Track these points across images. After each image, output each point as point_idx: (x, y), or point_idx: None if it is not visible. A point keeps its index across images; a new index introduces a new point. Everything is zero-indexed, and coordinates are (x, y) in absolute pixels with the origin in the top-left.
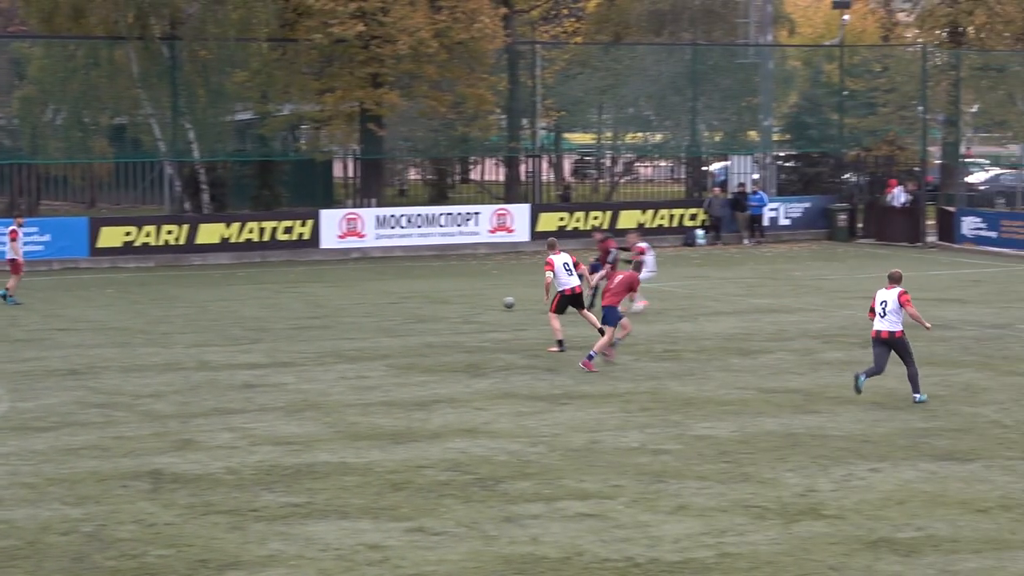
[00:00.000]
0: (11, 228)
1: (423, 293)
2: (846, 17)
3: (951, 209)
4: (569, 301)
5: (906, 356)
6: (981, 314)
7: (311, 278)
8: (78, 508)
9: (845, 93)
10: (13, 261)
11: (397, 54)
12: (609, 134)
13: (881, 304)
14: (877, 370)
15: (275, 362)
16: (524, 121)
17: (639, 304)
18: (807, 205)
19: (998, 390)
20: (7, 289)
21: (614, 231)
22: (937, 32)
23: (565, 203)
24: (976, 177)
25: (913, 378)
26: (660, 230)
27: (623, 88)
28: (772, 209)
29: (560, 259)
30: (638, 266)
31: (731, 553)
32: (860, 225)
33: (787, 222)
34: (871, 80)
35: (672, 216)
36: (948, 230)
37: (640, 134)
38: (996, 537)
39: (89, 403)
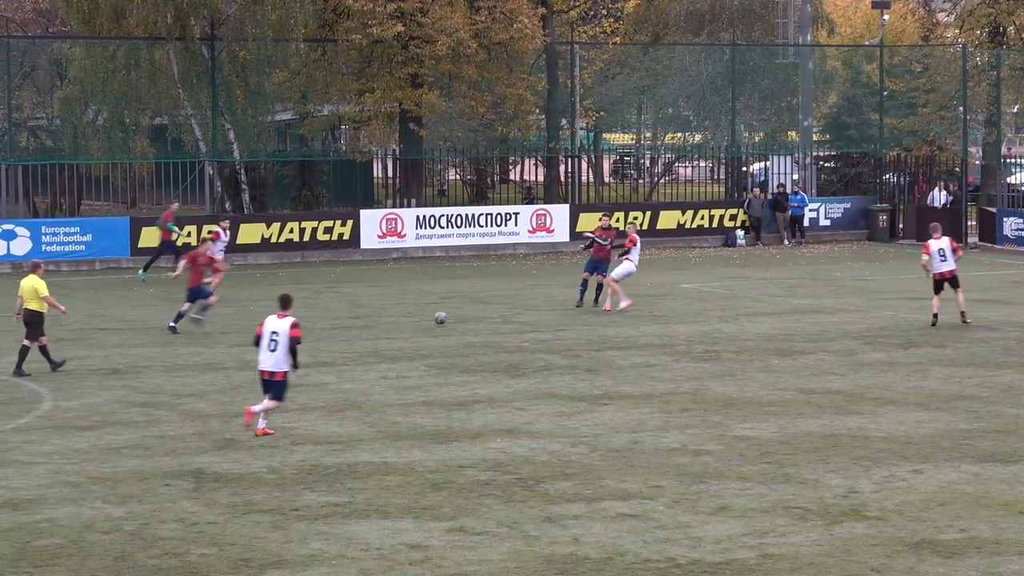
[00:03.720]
0: (214, 231)
1: (463, 293)
2: (886, 17)
3: (992, 210)
4: (945, 283)
5: None
6: (1023, 315)
7: (351, 278)
8: (120, 507)
9: (885, 93)
10: (211, 260)
11: (436, 54)
12: (648, 134)
13: None
14: None
15: (316, 362)
16: (563, 121)
17: (624, 303)
18: (847, 206)
19: None
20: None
21: (654, 231)
22: (977, 32)
23: (604, 204)
24: (1017, 177)
25: None
26: (700, 231)
27: (662, 88)
28: (812, 210)
29: (936, 244)
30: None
31: (772, 554)
32: (901, 226)
33: (827, 223)
34: (911, 80)
35: (712, 217)
36: (989, 231)
37: (679, 134)
38: None
39: (131, 402)
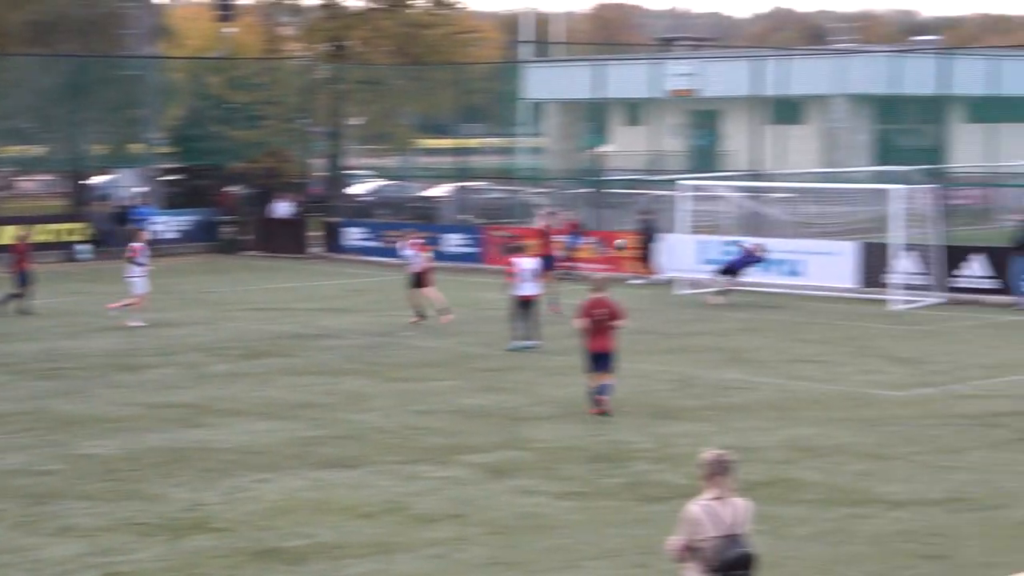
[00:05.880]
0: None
1: None
2: (229, 30)
3: (336, 220)
4: None
5: None
6: (365, 322)
7: None
8: None
9: (229, 106)
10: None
11: None
12: None
13: None
14: None
15: None
16: None
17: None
18: (194, 218)
19: (382, 396)
20: None
21: None
22: (321, 46)
23: None
24: (361, 188)
25: None
26: (43, 246)
27: (2, 101)
28: (158, 223)
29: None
30: None
31: (118, 572)
32: (249, 237)
33: (175, 235)
34: (256, 93)
35: (55, 231)
36: (333, 241)
37: (22, 147)
38: (381, 541)
39: None
